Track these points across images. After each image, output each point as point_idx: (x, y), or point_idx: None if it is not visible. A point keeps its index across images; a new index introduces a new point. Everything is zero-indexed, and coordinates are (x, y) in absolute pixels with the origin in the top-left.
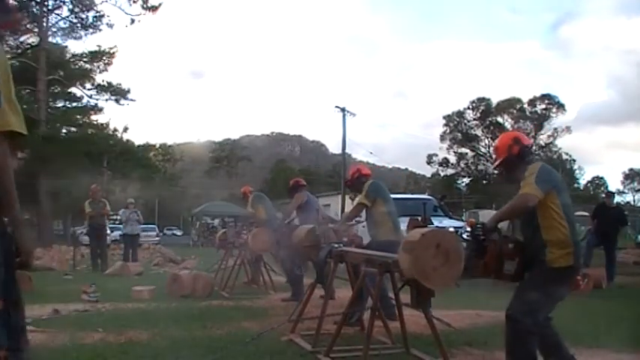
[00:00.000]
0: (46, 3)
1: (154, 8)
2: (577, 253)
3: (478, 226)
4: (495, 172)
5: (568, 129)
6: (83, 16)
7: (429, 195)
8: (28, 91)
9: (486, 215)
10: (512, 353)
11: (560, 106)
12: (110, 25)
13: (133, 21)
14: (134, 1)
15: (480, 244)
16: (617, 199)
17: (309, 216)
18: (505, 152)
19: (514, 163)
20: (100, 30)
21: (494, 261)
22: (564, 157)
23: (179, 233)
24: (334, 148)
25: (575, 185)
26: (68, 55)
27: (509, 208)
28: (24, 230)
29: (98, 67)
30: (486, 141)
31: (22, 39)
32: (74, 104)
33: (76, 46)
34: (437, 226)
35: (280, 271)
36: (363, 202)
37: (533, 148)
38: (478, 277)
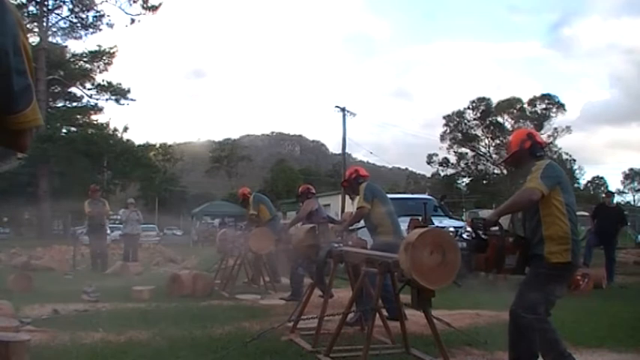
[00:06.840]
0: (46, 3)
1: (154, 8)
2: (575, 251)
3: (478, 221)
4: (505, 165)
5: (568, 129)
6: (83, 15)
7: (429, 195)
8: None
9: (486, 215)
10: (514, 348)
11: (561, 106)
12: (110, 25)
13: (133, 21)
14: (134, 1)
15: (481, 239)
16: (617, 199)
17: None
18: (517, 146)
19: (524, 158)
20: (100, 30)
21: (495, 256)
22: (564, 157)
23: (179, 233)
24: (334, 148)
25: (575, 185)
26: (68, 55)
27: (512, 203)
28: None
29: (98, 67)
30: (486, 141)
31: None
32: (74, 104)
33: (76, 46)
34: (436, 226)
35: (281, 271)
36: (364, 205)
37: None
38: (480, 271)
